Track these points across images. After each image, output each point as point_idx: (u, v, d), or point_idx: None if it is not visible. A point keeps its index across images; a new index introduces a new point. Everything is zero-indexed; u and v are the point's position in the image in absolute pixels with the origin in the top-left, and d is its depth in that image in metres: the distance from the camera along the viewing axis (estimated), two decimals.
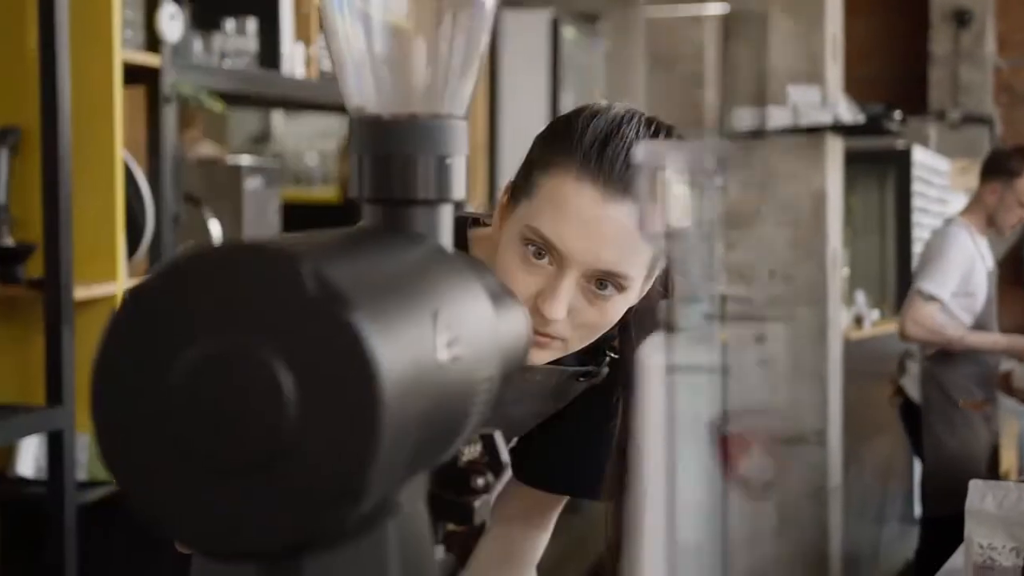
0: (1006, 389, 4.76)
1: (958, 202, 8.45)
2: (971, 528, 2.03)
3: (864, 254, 6.80)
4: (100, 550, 2.75)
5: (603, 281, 1.30)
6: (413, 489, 0.75)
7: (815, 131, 5.42)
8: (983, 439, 4.36)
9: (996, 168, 4.43)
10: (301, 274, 0.63)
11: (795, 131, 5.39)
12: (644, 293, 1.38)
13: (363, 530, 0.69)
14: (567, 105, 6.30)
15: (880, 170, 6.98)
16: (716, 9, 6.32)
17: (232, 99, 3.42)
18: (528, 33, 5.81)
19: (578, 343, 1.34)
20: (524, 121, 5.24)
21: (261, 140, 5.57)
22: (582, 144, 1.29)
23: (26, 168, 2.58)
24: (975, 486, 2.08)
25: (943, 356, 4.41)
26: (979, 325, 4.38)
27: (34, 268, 2.54)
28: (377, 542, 0.71)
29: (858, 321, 6.15)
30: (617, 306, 1.32)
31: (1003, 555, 2.00)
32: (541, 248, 1.30)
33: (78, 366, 2.45)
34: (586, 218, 1.28)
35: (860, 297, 6.43)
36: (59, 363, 2.42)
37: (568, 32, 6.15)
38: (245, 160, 3.39)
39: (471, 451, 0.92)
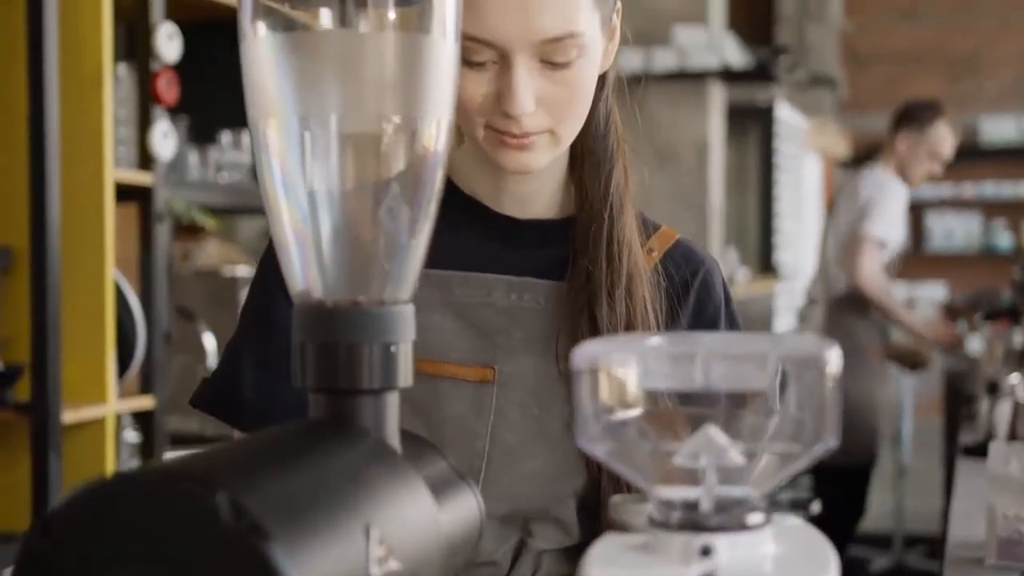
0: (889, 355, 4.63)
1: (811, 161, 8.49)
2: (994, 496, 1.81)
3: (727, 210, 6.65)
4: None
5: (555, 62, 1.17)
6: None
7: (700, 76, 5.34)
8: (892, 388, 4.25)
9: (908, 118, 4.42)
10: (216, 503, 0.60)
11: (680, 76, 5.34)
12: (612, 35, 1.25)
13: None
14: None
15: (741, 125, 6.91)
16: None
17: (227, 211, 3.41)
18: None
19: (568, 130, 1.21)
20: None
21: None
22: None
23: (15, 288, 2.57)
24: (996, 448, 1.87)
25: (852, 298, 4.28)
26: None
27: (22, 391, 2.51)
28: None
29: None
30: (585, 71, 1.19)
31: None
32: (473, 53, 1.15)
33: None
34: None
35: (732, 254, 6.28)
36: (46, 490, 2.39)
37: None
38: (242, 271, 3.38)
39: None
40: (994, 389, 3.25)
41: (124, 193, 2.74)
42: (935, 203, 10.05)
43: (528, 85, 1.17)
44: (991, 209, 10.04)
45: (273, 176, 0.82)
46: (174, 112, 2.92)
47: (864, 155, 9.94)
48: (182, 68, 2.90)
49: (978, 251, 10.06)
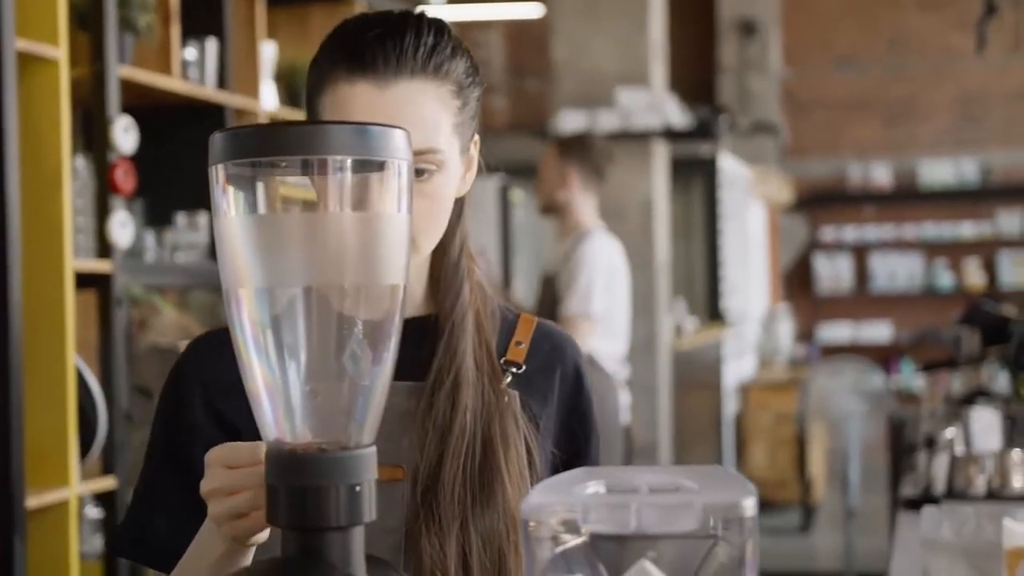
0: None
1: (756, 208, 8.73)
2: (928, 560, 1.90)
3: (674, 261, 6.68)
4: None
5: (416, 172, 1.23)
6: None
7: (643, 136, 5.45)
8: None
9: None
10: None
11: (624, 136, 5.44)
12: (470, 165, 1.35)
13: None
14: (519, 264, 6.48)
15: (685, 177, 7.05)
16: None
17: (185, 290, 3.49)
18: (479, 199, 5.97)
19: (427, 240, 1.30)
20: None
21: None
22: (341, 49, 1.27)
23: None
24: (929, 512, 1.95)
25: None
26: None
27: None
28: None
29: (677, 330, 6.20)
30: (443, 187, 1.28)
31: None
32: None
33: None
34: (365, 112, 1.23)
35: (680, 305, 6.42)
36: (11, 574, 2.44)
37: (516, 195, 6.32)
38: None
39: None
40: (931, 443, 3.34)
41: (83, 280, 2.81)
42: (878, 245, 10.27)
43: None
44: (932, 250, 10.27)
45: (245, 336, 0.91)
46: (131, 198, 2.99)
47: (807, 199, 10.19)
48: (138, 153, 2.98)
49: (921, 291, 10.28)
